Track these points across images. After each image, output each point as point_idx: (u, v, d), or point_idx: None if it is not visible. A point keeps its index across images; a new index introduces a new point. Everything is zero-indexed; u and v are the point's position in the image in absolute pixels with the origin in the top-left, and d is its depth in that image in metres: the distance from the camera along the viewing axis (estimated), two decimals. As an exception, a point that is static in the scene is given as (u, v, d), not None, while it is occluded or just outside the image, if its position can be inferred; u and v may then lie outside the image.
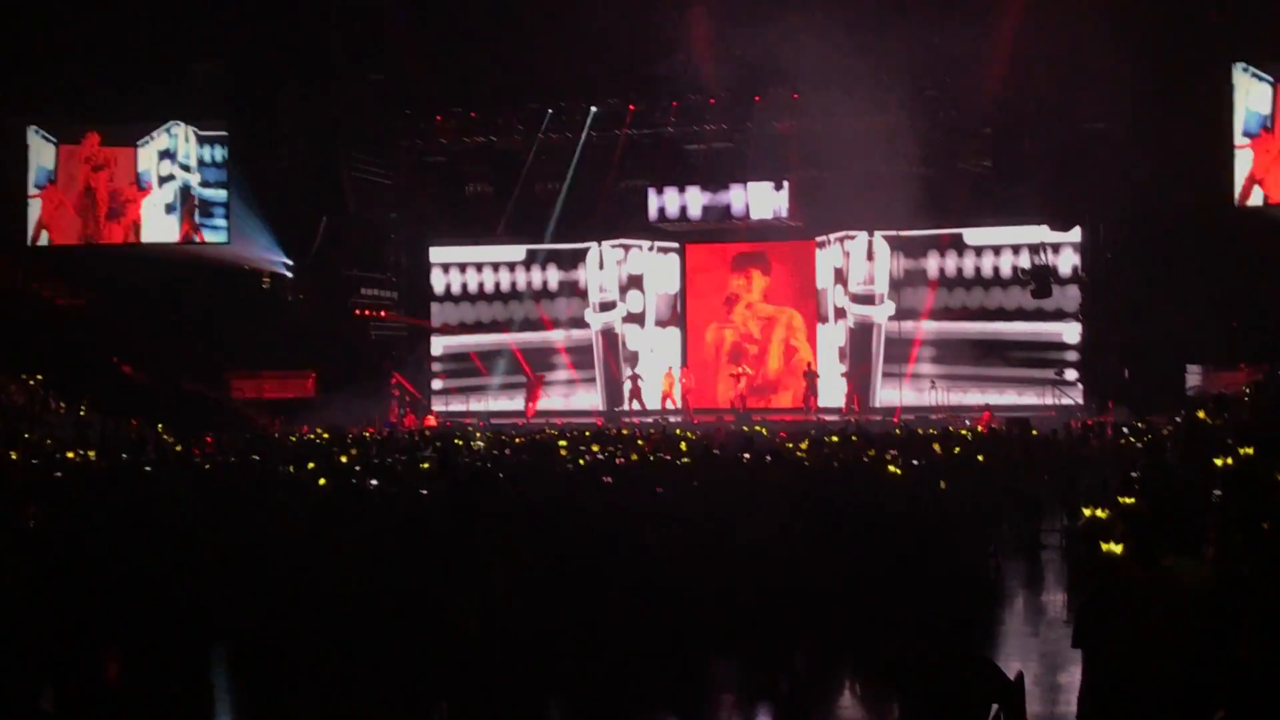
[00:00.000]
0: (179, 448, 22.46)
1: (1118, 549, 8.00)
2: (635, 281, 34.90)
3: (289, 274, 34.90)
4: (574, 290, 35.39)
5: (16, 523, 12.10)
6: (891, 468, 15.26)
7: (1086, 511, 11.48)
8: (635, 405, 33.38)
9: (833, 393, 32.85)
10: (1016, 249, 31.26)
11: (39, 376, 29.27)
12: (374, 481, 14.88)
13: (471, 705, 10.67)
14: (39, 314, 33.08)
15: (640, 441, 21.08)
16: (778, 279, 34.52)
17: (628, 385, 33.90)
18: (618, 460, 17.60)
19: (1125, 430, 21.78)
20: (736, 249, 34.51)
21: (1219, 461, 11.85)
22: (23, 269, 34.06)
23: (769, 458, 16.84)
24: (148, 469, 18.52)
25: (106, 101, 33.07)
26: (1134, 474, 13.00)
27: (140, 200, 34.29)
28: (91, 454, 21.36)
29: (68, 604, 10.20)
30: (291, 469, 17.31)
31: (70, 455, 20.30)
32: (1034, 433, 22.24)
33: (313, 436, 24.49)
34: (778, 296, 34.54)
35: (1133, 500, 9.92)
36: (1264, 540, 7.01)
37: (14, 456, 21.06)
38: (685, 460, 17.28)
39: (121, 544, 11.60)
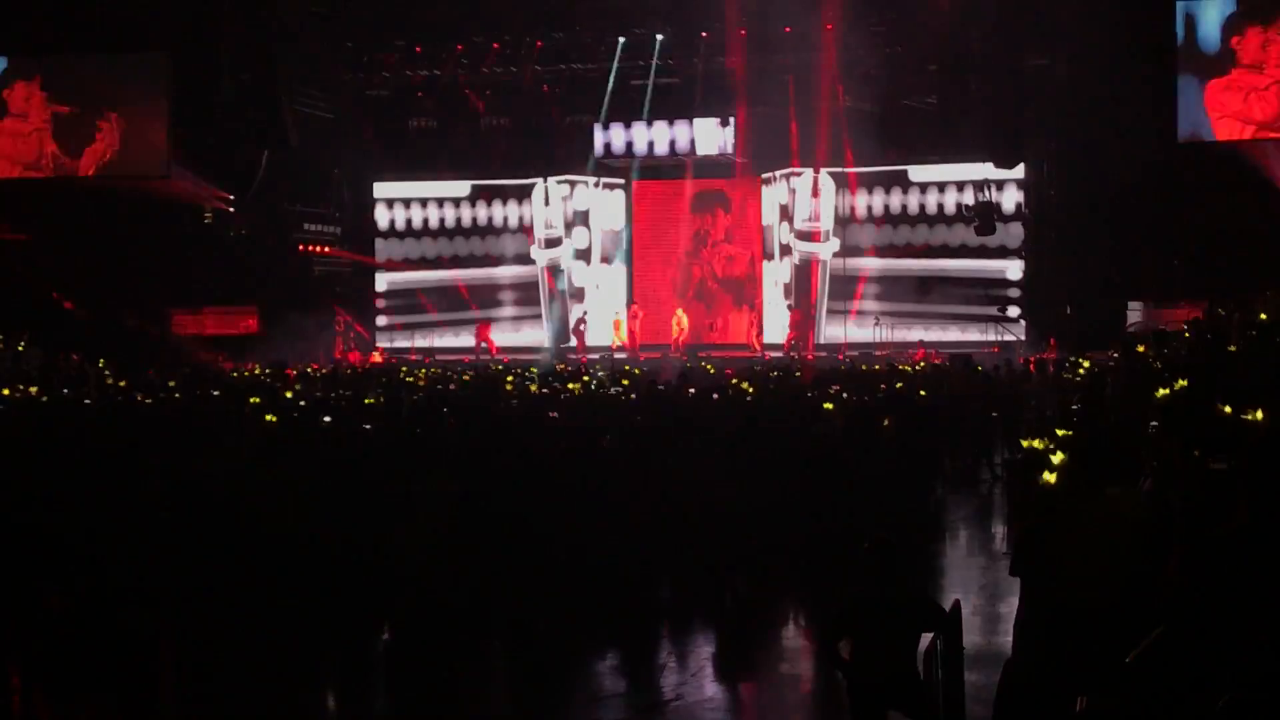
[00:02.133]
0: (120, 383, 22.25)
1: (1054, 479, 8.10)
2: (581, 218, 34.78)
3: (231, 209, 34.50)
4: (519, 226, 35.23)
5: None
6: (827, 405, 15.35)
7: (1026, 444, 11.61)
8: (576, 343, 33.35)
9: (778, 330, 32.94)
10: (961, 186, 31.36)
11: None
12: (327, 419, 14.85)
13: (414, 637, 10.73)
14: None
15: (585, 377, 21.09)
16: (737, 217, 34.52)
17: (573, 325, 33.85)
18: (562, 396, 17.63)
19: (1066, 366, 22.00)
20: (696, 186, 34.41)
21: (1158, 394, 11.99)
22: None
23: (715, 395, 16.91)
24: (87, 403, 18.40)
25: (37, 28, 32.43)
26: (1074, 407, 13.15)
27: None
28: (33, 389, 21.16)
29: (9, 540, 10.15)
30: (233, 404, 17.22)
31: (5, 392, 20.07)
32: (978, 368, 22.43)
33: (256, 372, 24.34)
34: (737, 235, 34.55)
35: (1070, 432, 10.04)
36: (1194, 467, 7.13)
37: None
38: (630, 396, 17.32)
39: (61, 478, 11.54)
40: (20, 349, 28.34)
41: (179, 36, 32.95)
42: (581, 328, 33.62)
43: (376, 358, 33.20)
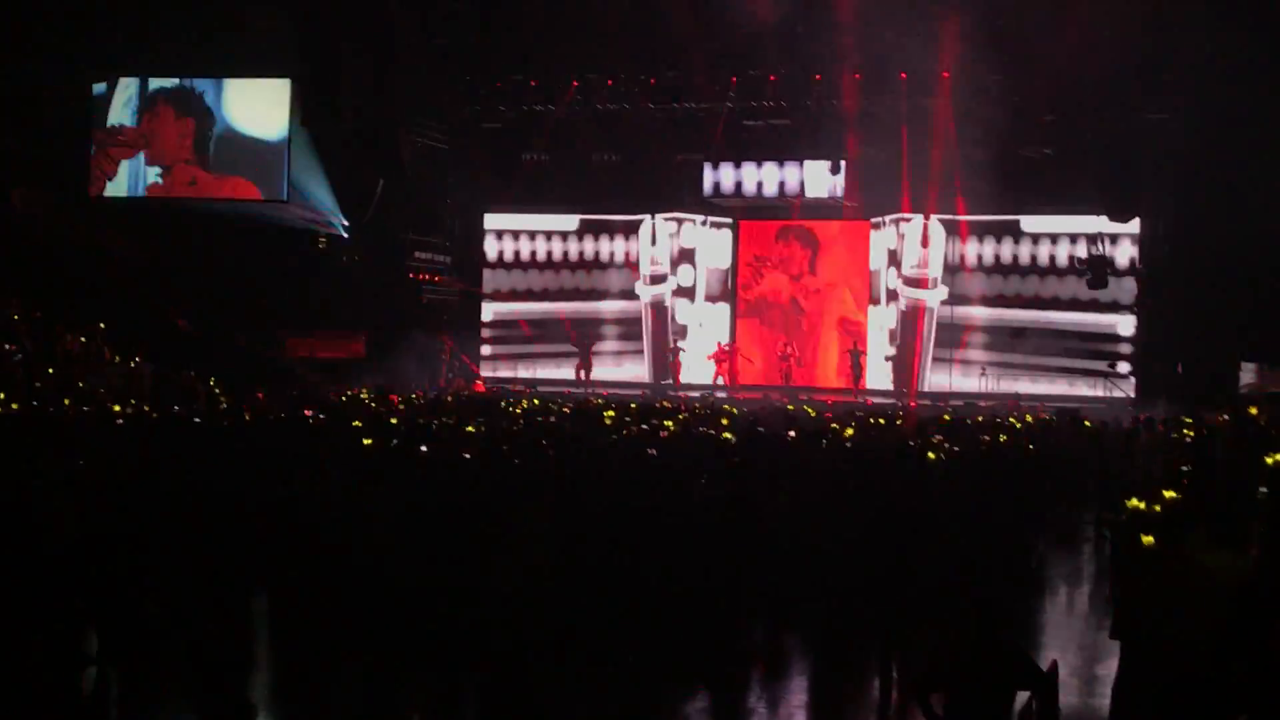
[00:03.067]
0: (224, 404, 22.65)
1: (1159, 542, 7.95)
2: (687, 255, 34.87)
3: (345, 234, 35.07)
4: (625, 262, 35.41)
5: (65, 469, 12.25)
6: (931, 454, 15.16)
7: (1131, 504, 11.41)
8: (671, 380, 33.34)
9: (880, 374, 32.71)
10: (1074, 238, 31.00)
11: (100, 325, 29.60)
12: (424, 448, 14.96)
13: (505, 668, 10.74)
14: (98, 265, 33.42)
15: (684, 416, 21.09)
16: (826, 256, 34.39)
17: (670, 357, 33.91)
18: (661, 434, 17.61)
19: (1176, 425, 21.59)
20: (782, 223, 34.50)
21: (1269, 460, 11.74)
22: (84, 221, 34.40)
23: (824, 440, 16.76)
24: (197, 420, 18.73)
25: (167, 53, 33.31)
26: (1182, 468, 12.91)
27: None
28: (145, 406, 21.58)
29: (113, 551, 10.33)
30: (337, 427, 17.45)
31: (116, 408, 20.49)
32: (1085, 424, 22.09)
33: (364, 396, 24.65)
34: (826, 273, 34.41)
35: (1176, 494, 9.86)
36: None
37: (67, 404, 21.38)
38: (727, 436, 17.27)
39: (169, 493, 11.74)
40: (133, 365, 28.98)
41: (300, 64, 33.64)
42: (672, 358, 33.62)
43: (480, 386, 33.47)
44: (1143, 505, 10.28)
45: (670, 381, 33.59)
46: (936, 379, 32.19)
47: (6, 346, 26.85)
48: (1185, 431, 20.24)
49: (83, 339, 29.18)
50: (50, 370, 26.33)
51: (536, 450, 14.47)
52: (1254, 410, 17.56)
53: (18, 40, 33.25)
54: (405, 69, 33.41)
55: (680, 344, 34.32)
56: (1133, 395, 29.92)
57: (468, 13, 32.93)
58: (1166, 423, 22.25)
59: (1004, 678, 6.94)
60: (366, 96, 34.28)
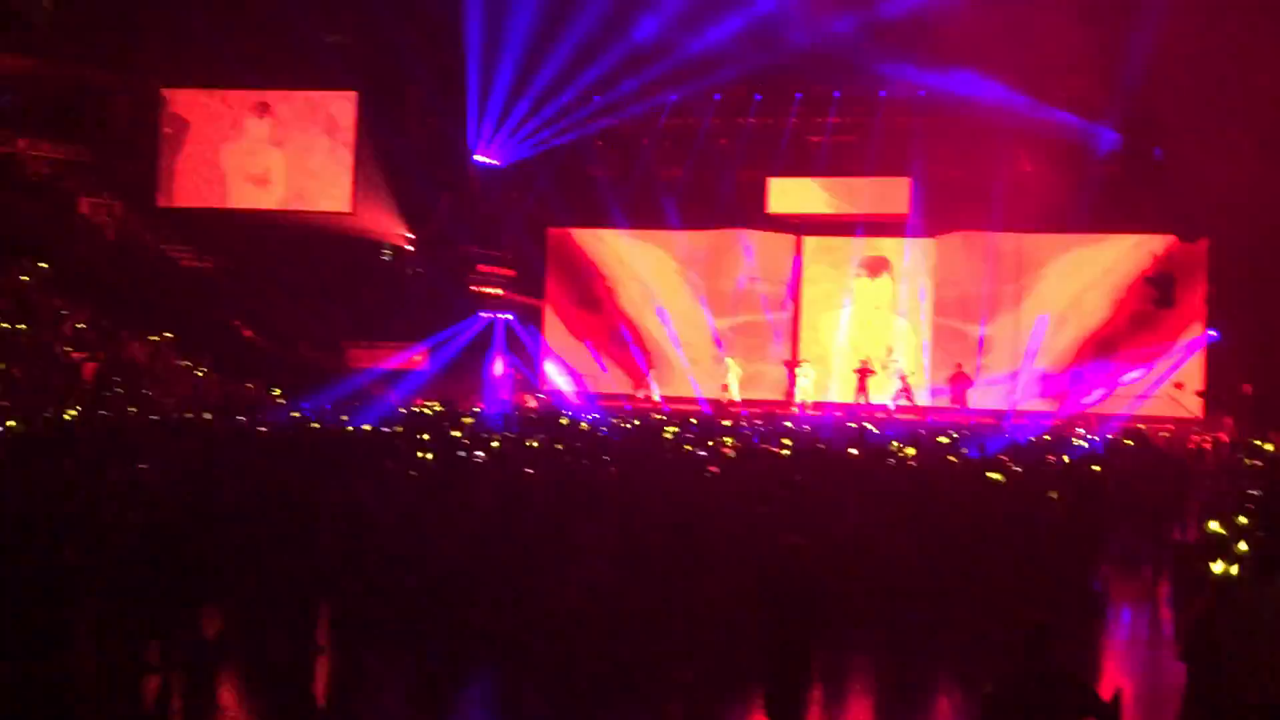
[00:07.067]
0: (295, 414, 22.80)
1: (1230, 568, 7.84)
2: (750, 271, 34.68)
3: (409, 247, 35.31)
4: (683, 277, 35.28)
5: (130, 476, 12.39)
6: (994, 475, 15.00)
7: (1202, 528, 11.24)
8: (725, 396, 33.03)
9: (942, 393, 32.39)
10: (1142, 257, 30.59)
11: (168, 335, 29.96)
12: (480, 454, 15.03)
13: (567, 680, 10.76)
14: (165, 275, 33.84)
15: (747, 432, 21.03)
16: (890, 273, 34.13)
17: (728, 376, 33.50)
18: (722, 450, 17.58)
19: (1244, 447, 21.27)
20: (859, 248, 34.22)
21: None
22: (152, 230, 34.86)
23: (892, 460, 16.66)
24: (262, 430, 18.89)
25: (239, 68, 33.77)
26: (1252, 492, 12.72)
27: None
28: (207, 415, 21.80)
29: (178, 559, 10.44)
30: (402, 440, 17.53)
31: (187, 415, 20.71)
32: (1152, 444, 21.81)
33: (426, 410, 24.74)
34: (890, 290, 34.13)
35: (1247, 520, 9.71)
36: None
37: (134, 411, 21.63)
38: (787, 453, 17.21)
39: (233, 503, 11.86)
40: (200, 375, 29.29)
41: (369, 74, 34.01)
42: (726, 382, 33.24)
43: (542, 399, 33.40)
44: (1212, 529, 10.14)
45: (730, 397, 33.24)
46: (999, 398, 31.84)
47: (74, 355, 27.20)
48: (1251, 455, 19.93)
49: (150, 348, 29.54)
50: (117, 379, 26.63)
51: (598, 466, 14.49)
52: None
53: (87, 50, 33.82)
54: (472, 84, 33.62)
55: (727, 359, 33.90)
56: (1200, 415, 29.52)
57: (531, 30, 33.06)
58: (1234, 445, 21.96)
59: (1064, 706, 6.86)
60: (433, 110, 34.57)
